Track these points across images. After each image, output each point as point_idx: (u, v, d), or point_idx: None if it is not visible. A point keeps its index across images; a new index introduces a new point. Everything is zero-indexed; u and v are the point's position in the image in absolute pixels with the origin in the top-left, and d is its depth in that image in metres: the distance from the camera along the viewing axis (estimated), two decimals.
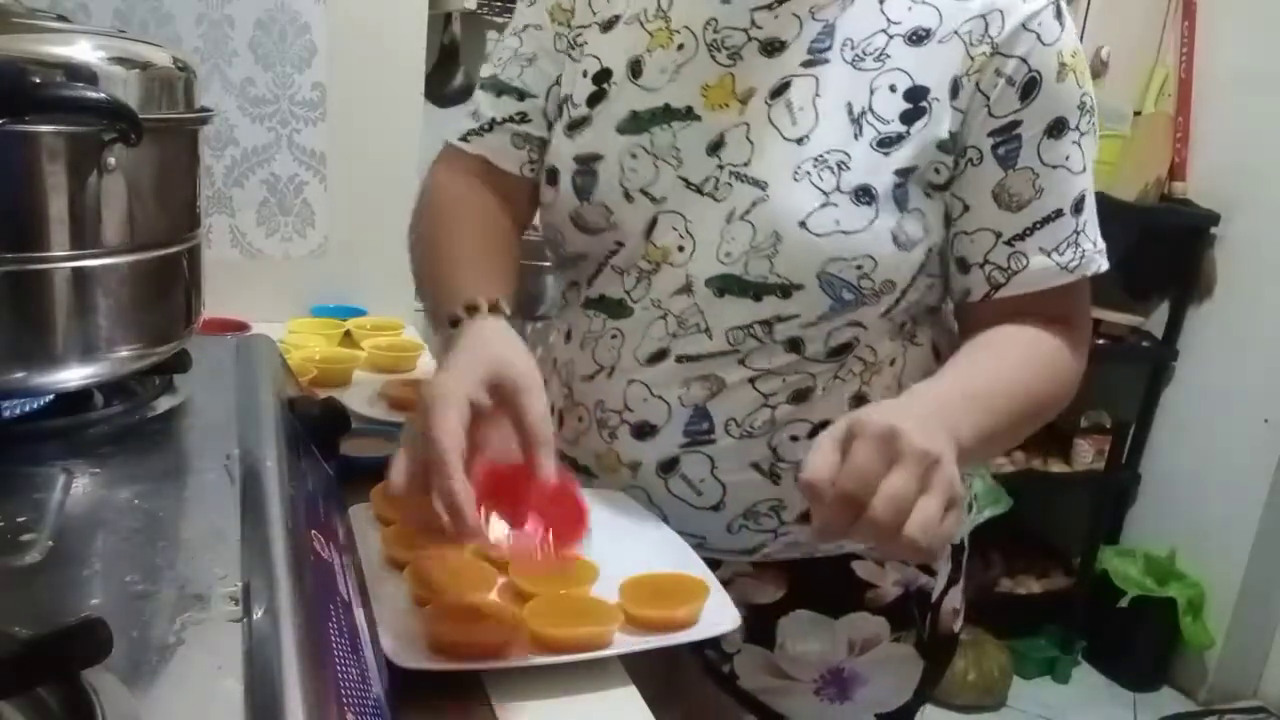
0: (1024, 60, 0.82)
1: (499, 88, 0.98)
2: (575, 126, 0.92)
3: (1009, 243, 0.85)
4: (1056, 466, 2.67)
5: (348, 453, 0.94)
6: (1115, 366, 2.69)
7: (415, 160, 1.61)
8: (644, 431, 0.90)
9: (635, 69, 0.90)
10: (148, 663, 0.47)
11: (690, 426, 0.89)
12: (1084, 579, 2.66)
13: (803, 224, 0.81)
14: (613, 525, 0.89)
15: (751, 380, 0.87)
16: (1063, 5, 0.84)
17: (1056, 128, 0.83)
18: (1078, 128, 0.84)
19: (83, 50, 0.70)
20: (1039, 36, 0.82)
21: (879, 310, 0.86)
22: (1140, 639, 2.61)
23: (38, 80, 0.65)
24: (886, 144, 0.82)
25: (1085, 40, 2.48)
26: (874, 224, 0.82)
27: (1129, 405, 2.69)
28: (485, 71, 1.00)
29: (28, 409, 0.74)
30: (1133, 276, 2.65)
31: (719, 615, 0.77)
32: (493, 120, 0.97)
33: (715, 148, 0.86)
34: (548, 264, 1.00)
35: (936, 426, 0.67)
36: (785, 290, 0.83)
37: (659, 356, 0.88)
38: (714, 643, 0.94)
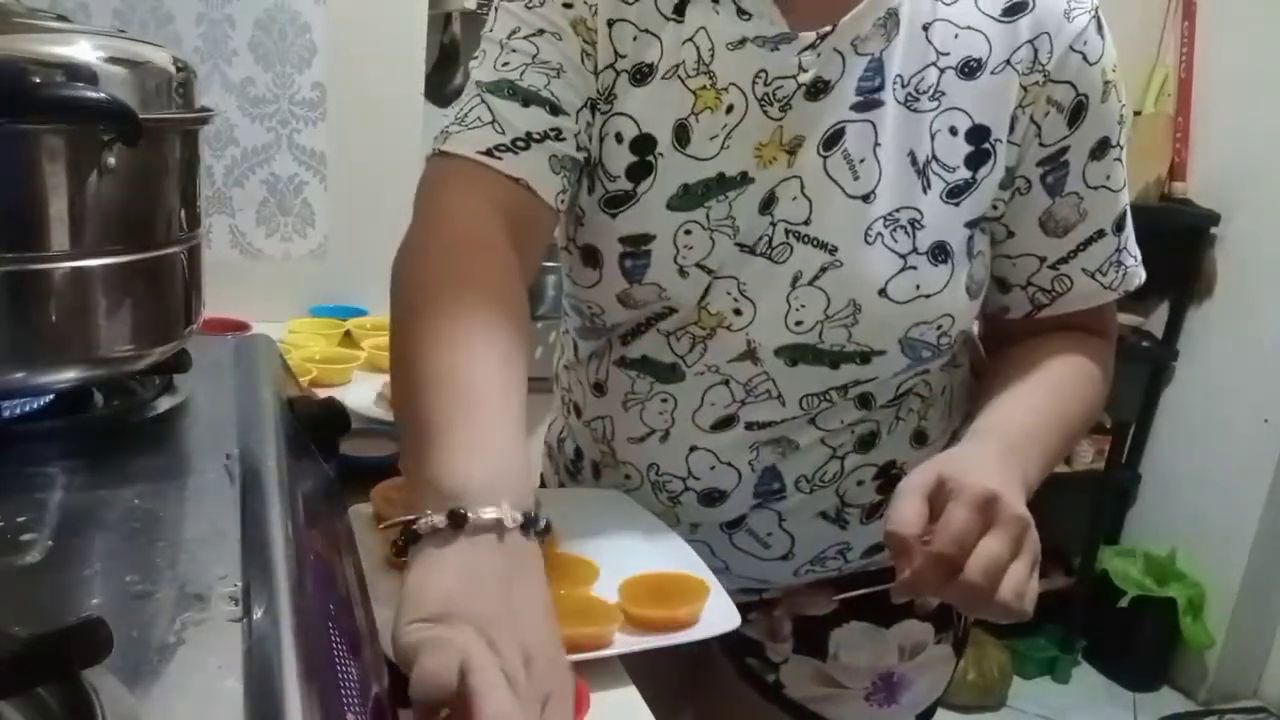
0: (1072, 85, 0.79)
1: (524, 96, 0.79)
2: (617, 203, 0.82)
3: (1053, 266, 0.84)
4: (1056, 466, 2.67)
5: (348, 453, 0.94)
6: (1115, 366, 2.69)
7: (415, 160, 1.61)
8: (713, 499, 0.88)
9: (681, 136, 0.80)
10: (148, 663, 0.47)
11: (761, 488, 0.87)
12: (1084, 579, 2.66)
13: (883, 292, 0.77)
14: (613, 525, 0.89)
15: (823, 440, 0.86)
16: (1101, 15, 0.81)
17: (1100, 148, 0.81)
18: (1118, 143, 0.82)
19: (83, 50, 0.70)
20: (1085, 57, 0.79)
21: (946, 357, 0.86)
22: (1140, 639, 2.61)
23: (38, 80, 0.65)
24: (956, 194, 0.79)
25: None
26: (951, 281, 0.79)
27: (1129, 405, 2.69)
28: (487, 75, 0.81)
29: (28, 409, 0.74)
30: None
31: (719, 615, 0.77)
32: (529, 135, 0.78)
33: (767, 205, 0.79)
34: (547, 264, 0.99)
35: (1018, 484, 0.68)
36: (865, 357, 0.81)
37: (726, 423, 0.85)
38: (758, 652, 0.95)
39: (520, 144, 0.78)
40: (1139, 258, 0.87)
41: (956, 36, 0.79)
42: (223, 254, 1.51)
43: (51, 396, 0.76)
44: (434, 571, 0.55)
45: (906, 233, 0.77)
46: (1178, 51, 2.57)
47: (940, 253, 0.78)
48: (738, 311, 0.81)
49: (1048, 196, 0.81)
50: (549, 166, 0.79)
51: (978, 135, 0.78)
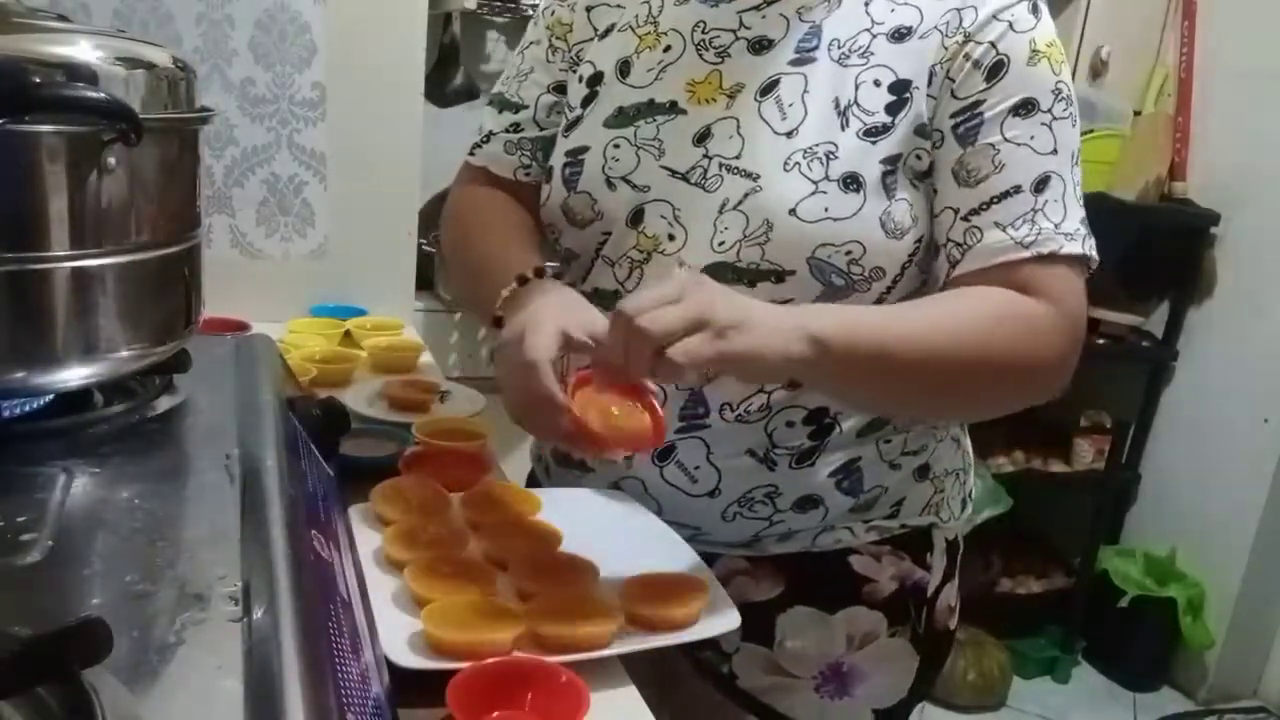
0: (993, 45, 0.83)
1: (501, 104, 1.05)
2: (570, 127, 0.97)
3: (965, 218, 0.84)
4: (1056, 466, 2.67)
5: (348, 453, 0.94)
6: (1115, 366, 2.69)
7: (415, 160, 1.61)
8: None
9: (624, 69, 0.94)
10: (148, 663, 0.47)
11: (685, 410, 0.89)
12: (1084, 579, 2.66)
13: (793, 211, 0.83)
14: (613, 525, 0.89)
15: None
16: (1040, 2, 0.86)
17: (1024, 107, 0.83)
18: (1050, 111, 0.83)
19: (83, 50, 0.70)
20: (1011, 25, 0.84)
21: (871, 297, 0.86)
22: (1140, 639, 2.61)
23: (38, 80, 0.65)
24: (872, 134, 0.85)
25: (1085, 40, 2.48)
26: (861, 210, 0.83)
27: (1129, 405, 2.69)
28: (495, 88, 1.07)
29: (28, 409, 0.75)
30: (1133, 276, 2.64)
31: (719, 615, 0.78)
32: (490, 133, 1.05)
33: (701, 138, 0.89)
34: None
35: (751, 301, 0.76)
36: (779, 275, 0.84)
37: None
38: (712, 643, 0.94)
39: (484, 140, 1.06)
40: (1071, 231, 0.83)
41: (893, 10, 0.87)
42: (223, 254, 1.51)
43: (51, 396, 0.76)
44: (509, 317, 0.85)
45: (821, 163, 0.84)
46: (1178, 51, 2.57)
47: (852, 182, 0.84)
48: (671, 236, 0.89)
49: (958, 146, 0.84)
50: (503, 150, 1.04)
51: (899, 87, 0.85)
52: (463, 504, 0.88)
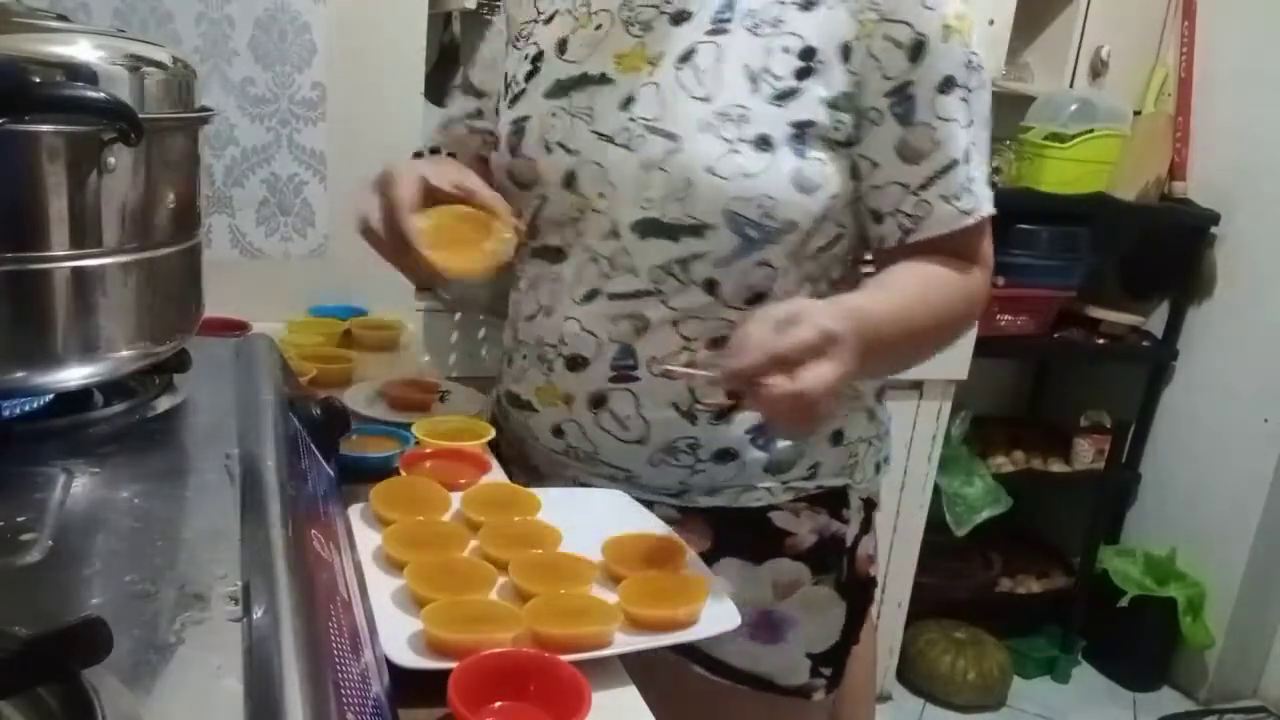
0: (909, 24, 0.90)
1: (466, 89, 1.17)
2: (515, 100, 1.05)
3: (914, 193, 0.94)
4: (1056, 466, 2.67)
5: (348, 453, 0.94)
6: (1115, 366, 2.69)
7: None
8: (576, 364, 0.98)
9: (561, 47, 1.03)
10: (148, 663, 0.47)
11: (616, 361, 0.97)
12: (1084, 579, 2.66)
13: (710, 169, 0.91)
14: (613, 525, 0.89)
15: (674, 322, 0.95)
16: None
17: (946, 84, 0.91)
18: (965, 85, 0.92)
19: (83, 50, 0.70)
20: (922, 1, 0.90)
21: (785, 250, 0.94)
22: (1140, 639, 2.61)
23: (38, 80, 0.65)
24: (781, 98, 0.92)
25: (1085, 40, 2.48)
26: (772, 168, 0.91)
27: (1129, 405, 2.69)
28: (458, 78, 1.21)
29: (28, 409, 0.75)
30: (1133, 276, 2.64)
31: (719, 614, 0.78)
32: (450, 118, 1.18)
33: (627, 104, 0.96)
34: None
35: (851, 330, 0.81)
36: (698, 230, 0.92)
37: (592, 295, 0.98)
38: None
39: (445, 125, 1.19)
40: (987, 193, 0.96)
41: None
42: (223, 254, 1.51)
43: (51, 396, 0.76)
44: None
45: (735, 124, 0.91)
46: (1178, 51, 2.57)
47: (763, 142, 0.91)
48: (602, 194, 0.96)
49: (899, 126, 0.92)
50: (467, 134, 1.16)
51: (807, 54, 0.92)
52: (463, 504, 0.88)
